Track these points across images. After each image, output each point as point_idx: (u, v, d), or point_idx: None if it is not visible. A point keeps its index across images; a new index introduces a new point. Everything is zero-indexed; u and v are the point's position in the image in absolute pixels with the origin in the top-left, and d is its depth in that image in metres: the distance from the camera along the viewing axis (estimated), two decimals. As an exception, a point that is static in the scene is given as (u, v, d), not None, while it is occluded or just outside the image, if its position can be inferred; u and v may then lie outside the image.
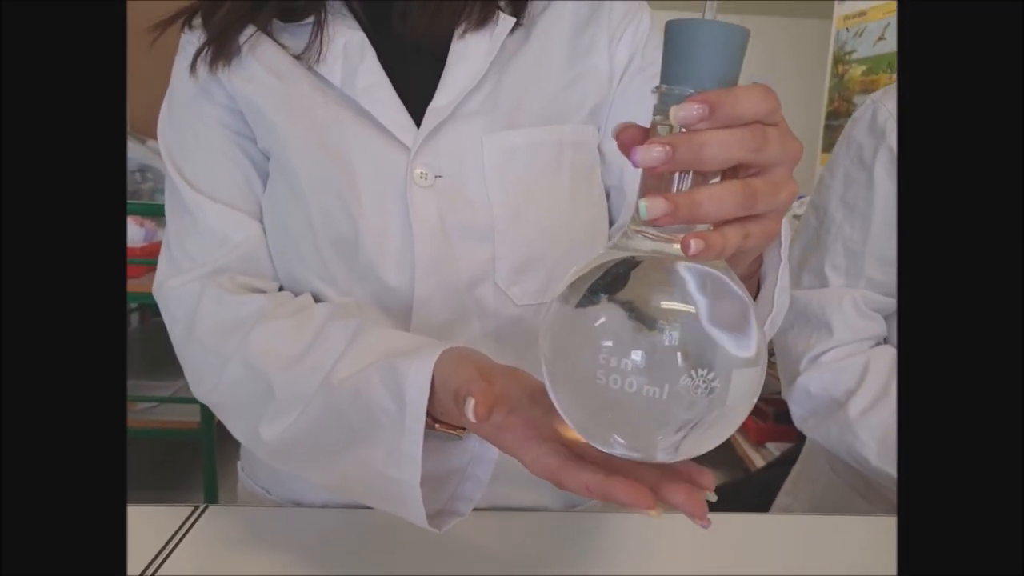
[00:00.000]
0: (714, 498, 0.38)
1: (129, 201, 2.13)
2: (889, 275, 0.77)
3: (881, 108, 0.78)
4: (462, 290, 0.59)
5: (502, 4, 0.60)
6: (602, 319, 0.33)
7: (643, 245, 0.34)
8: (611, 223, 0.65)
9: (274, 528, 0.59)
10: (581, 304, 0.34)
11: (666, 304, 0.33)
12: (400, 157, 0.57)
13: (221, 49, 0.59)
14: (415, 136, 0.57)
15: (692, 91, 0.32)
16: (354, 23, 0.60)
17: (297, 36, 0.60)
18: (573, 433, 0.38)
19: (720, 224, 0.33)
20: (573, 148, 0.60)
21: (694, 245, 0.32)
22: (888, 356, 0.77)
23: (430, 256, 0.58)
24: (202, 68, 0.59)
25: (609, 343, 0.32)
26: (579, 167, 0.61)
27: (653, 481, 0.37)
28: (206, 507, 0.61)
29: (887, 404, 0.73)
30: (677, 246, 0.32)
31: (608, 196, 0.65)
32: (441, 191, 0.58)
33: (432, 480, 0.48)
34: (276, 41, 0.60)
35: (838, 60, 3.06)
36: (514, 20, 0.59)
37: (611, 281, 0.34)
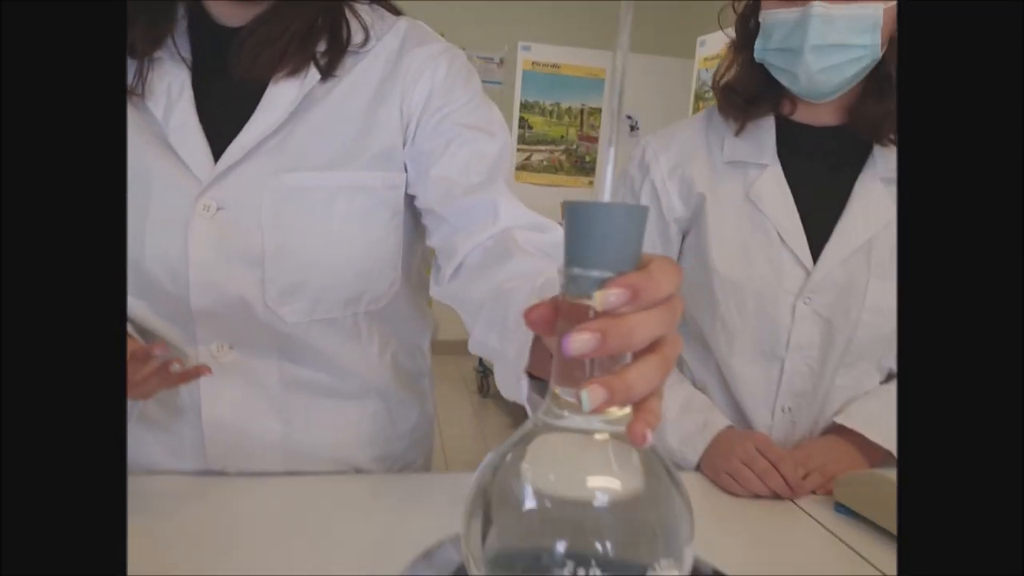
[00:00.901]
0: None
1: None
2: None
3: (648, 148, 0.94)
4: (236, 308, 0.68)
5: (318, 55, 0.68)
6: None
7: (572, 423, 0.34)
8: (428, 237, 0.75)
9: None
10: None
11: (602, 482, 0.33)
12: (193, 190, 0.66)
13: None
14: (211, 172, 0.66)
15: (608, 273, 0.32)
16: (181, 64, 0.68)
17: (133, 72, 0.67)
18: None
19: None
20: (348, 192, 0.69)
21: (649, 436, 0.32)
22: None
23: (203, 277, 0.66)
24: None
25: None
26: (353, 209, 0.69)
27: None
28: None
29: None
30: (602, 423, 0.33)
31: (423, 216, 0.74)
32: (219, 222, 0.66)
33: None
34: None
35: (699, 98, 3.34)
36: (319, 76, 0.68)
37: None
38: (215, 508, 0.68)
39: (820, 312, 0.89)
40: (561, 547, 0.31)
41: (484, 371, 3.97)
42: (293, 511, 0.68)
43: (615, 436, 0.33)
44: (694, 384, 0.96)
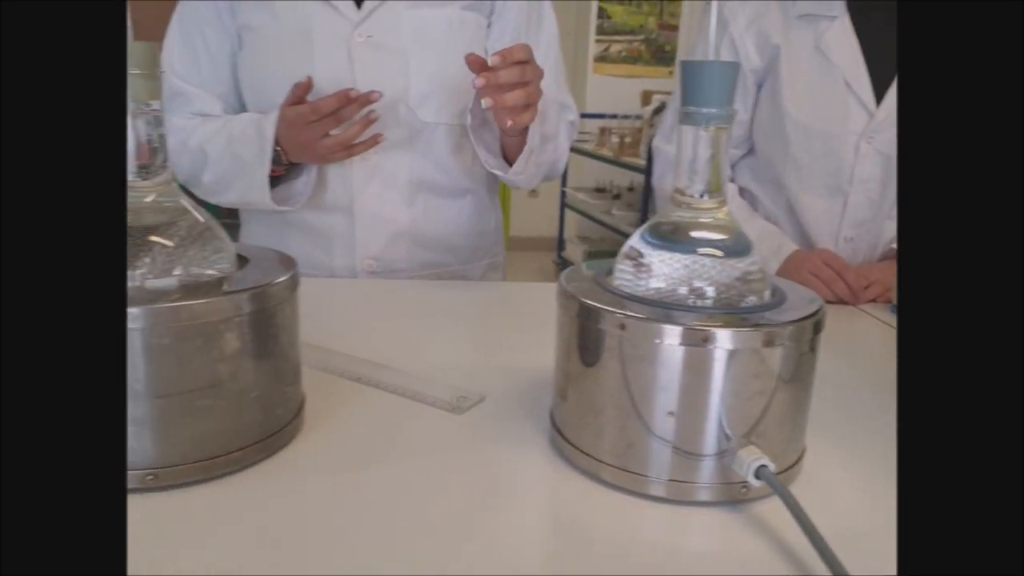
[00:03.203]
0: None
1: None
2: (733, 132, 1.06)
3: (726, 4, 1.03)
4: (387, 109, 0.91)
5: None
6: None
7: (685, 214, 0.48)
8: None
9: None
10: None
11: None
12: (347, 28, 0.90)
13: None
14: (357, 15, 0.91)
15: (713, 109, 0.45)
16: None
17: None
18: None
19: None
20: (459, 22, 0.94)
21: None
22: (730, 190, 1.07)
23: (367, 84, 0.88)
24: None
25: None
26: (459, 35, 0.94)
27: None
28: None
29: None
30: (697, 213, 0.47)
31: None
32: (373, 45, 0.91)
33: (284, 189, 0.94)
34: None
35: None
36: None
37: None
38: (365, 302, 0.88)
39: (881, 149, 0.99)
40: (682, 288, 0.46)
41: (563, 263, 4.15)
42: (420, 305, 0.87)
43: (716, 223, 0.48)
44: (766, 219, 1.08)
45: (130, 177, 0.46)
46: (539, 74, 0.79)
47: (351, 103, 0.83)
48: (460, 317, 0.82)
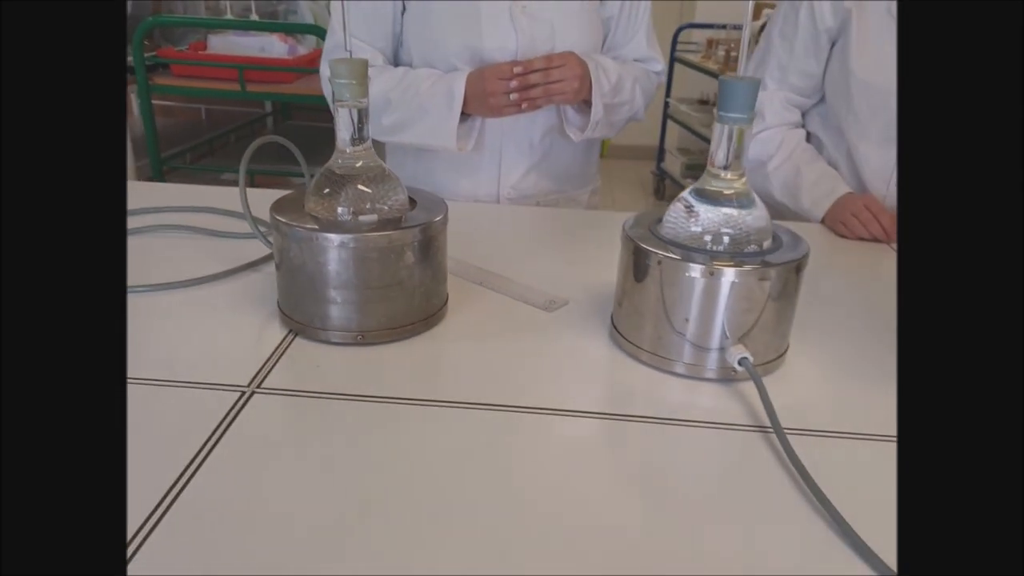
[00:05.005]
0: None
1: (272, 22, 2.61)
2: (805, 83, 1.21)
3: None
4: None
5: None
6: None
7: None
8: (604, 39, 1.24)
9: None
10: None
11: None
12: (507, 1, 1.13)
13: None
14: None
15: (741, 115, 0.64)
16: None
17: None
18: None
19: None
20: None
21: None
22: (797, 135, 1.23)
23: (525, 45, 1.14)
24: None
25: None
26: (588, 7, 1.18)
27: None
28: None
29: (790, 163, 1.21)
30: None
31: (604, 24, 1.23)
32: (528, 15, 1.14)
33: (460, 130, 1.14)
34: None
35: None
36: None
37: None
38: (497, 225, 1.13)
39: (938, 106, 1.13)
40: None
41: (661, 174, 4.26)
42: (534, 229, 1.10)
43: (735, 191, 0.69)
44: (828, 163, 1.24)
45: (348, 148, 0.71)
46: (569, 75, 1.07)
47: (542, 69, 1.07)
48: (560, 239, 1.06)
